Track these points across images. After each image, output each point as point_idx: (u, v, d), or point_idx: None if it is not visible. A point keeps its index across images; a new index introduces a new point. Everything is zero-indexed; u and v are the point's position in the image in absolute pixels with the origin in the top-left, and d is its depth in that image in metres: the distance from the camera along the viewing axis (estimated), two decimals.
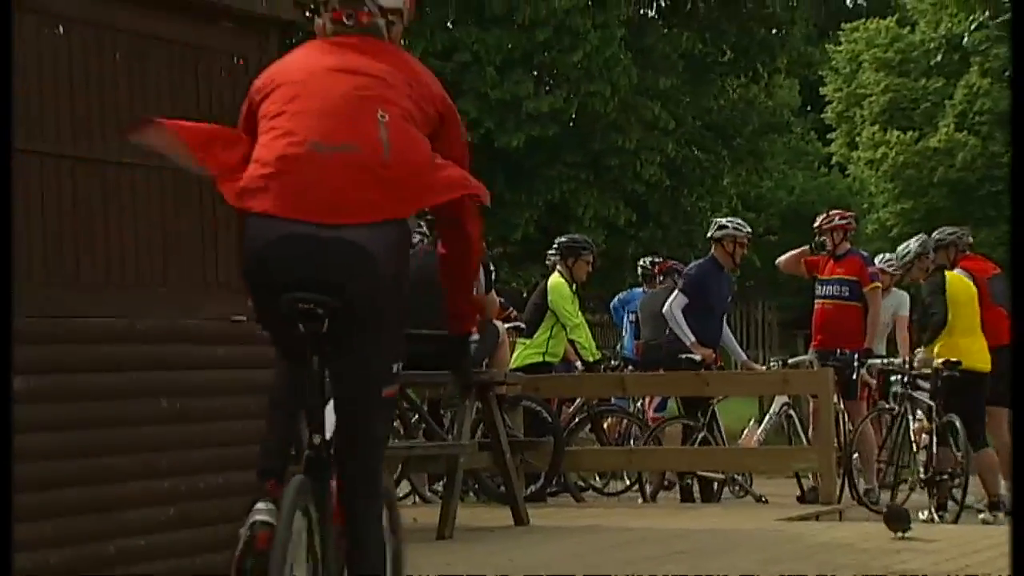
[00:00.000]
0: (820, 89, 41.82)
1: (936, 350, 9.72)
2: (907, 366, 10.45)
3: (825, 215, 11.05)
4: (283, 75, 3.35)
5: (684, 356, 10.34)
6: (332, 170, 3.18)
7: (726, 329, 10.81)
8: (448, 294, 3.62)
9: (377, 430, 3.32)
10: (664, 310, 10.42)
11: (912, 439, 10.24)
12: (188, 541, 5.83)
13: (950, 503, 9.46)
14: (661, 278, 12.13)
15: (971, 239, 10.91)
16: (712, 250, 10.70)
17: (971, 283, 9.91)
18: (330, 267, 3.12)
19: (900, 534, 7.26)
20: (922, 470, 9.63)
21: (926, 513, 9.38)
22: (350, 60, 3.31)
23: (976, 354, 9.65)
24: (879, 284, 10.84)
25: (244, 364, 5.96)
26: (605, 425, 11.43)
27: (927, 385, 10.74)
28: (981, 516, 9.43)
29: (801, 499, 10.23)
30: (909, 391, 10.53)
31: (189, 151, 3.30)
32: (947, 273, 9.88)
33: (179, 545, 5.82)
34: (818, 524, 8.78)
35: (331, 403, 3.29)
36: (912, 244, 10.19)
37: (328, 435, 3.26)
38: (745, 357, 11.23)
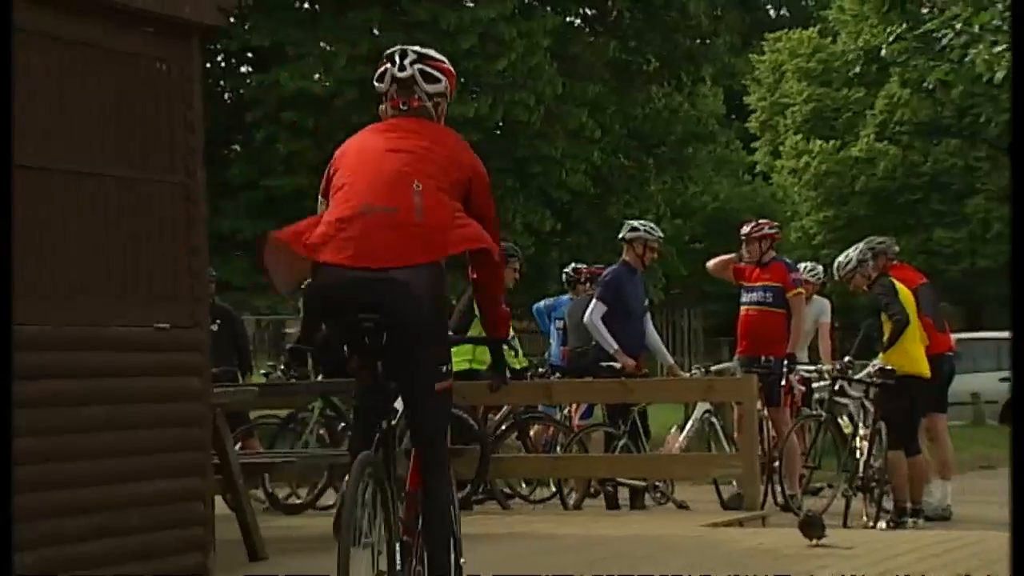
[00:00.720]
0: (744, 98, 42.26)
1: (883, 355, 9.78)
2: (835, 372, 10.57)
3: (754, 223, 11.16)
4: (350, 154, 4.33)
5: (605, 364, 10.40)
6: (376, 228, 4.09)
7: (653, 333, 10.89)
8: (482, 309, 4.56)
9: (436, 416, 4.28)
10: (585, 320, 10.47)
11: (841, 445, 10.37)
12: (115, 550, 5.76)
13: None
14: (589, 284, 12.17)
15: (897, 248, 11.08)
16: (623, 253, 10.82)
17: (908, 291, 10.00)
18: (382, 299, 4.04)
19: (815, 541, 7.34)
20: (859, 475, 9.77)
21: (864, 519, 9.51)
22: (400, 141, 4.27)
23: (920, 360, 9.74)
24: (802, 290, 10.96)
25: (168, 372, 5.91)
26: (532, 432, 11.45)
27: (853, 392, 10.89)
28: (910, 520, 9.50)
29: (725, 505, 10.31)
30: (835, 397, 10.67)
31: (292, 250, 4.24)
32: (894, 279, 9.92)
33: (105, 554, 5.75)
34: (742, 530, 8.85)
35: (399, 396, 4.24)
36: (852, 252, 10.26)
37: (393, 421, 4.26)
38: (672, 361, 11.31)
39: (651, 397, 10.78)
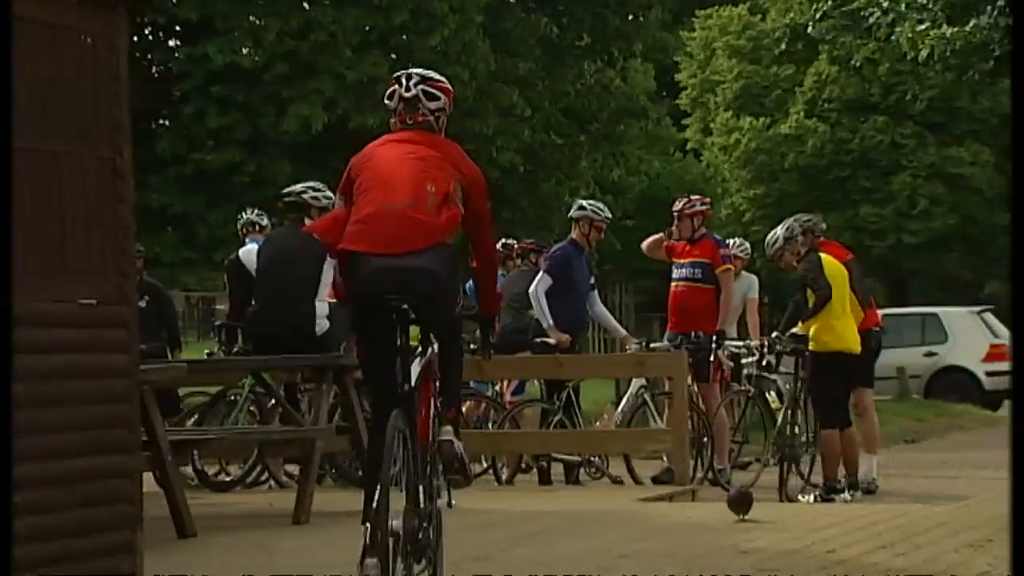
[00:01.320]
0: (675, 75, 42.40)
1: (811, 331, 9.84)
2: (762, 348, 10.67)
3: (686, 200, 11.21)
4: (371, 160, 5.22)
5: (540, 340, 10.42)
6: (397, 219, 5.04)
7: (603, 309, 10.97)
8: (479, 288, 5.47)
9: (456, 354, 5.30)
10: (530, 291, 10.49)
11: (769, 420, 10.49)
12: (41, 527, 5.69)
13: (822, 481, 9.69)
14: (520, 260, 12.17)
15: (824, 225, 11.18)
16: (572, 231, 10.87)
17: (840, 265, 10.03)
18: (411, 280, 4.99)
19: (742, 516, 7.41)
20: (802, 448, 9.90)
21: (805, 495, 9.64)
22: (412, 150, 5.18)
23: (849, 336, 9.78)
24: (731, 266, 11.05)
25: (94, 348, 5.85)
26: (464, 409, 11.46)
27: (781, 367, 11.00)
28: (842, 496, 9.62)
29: (655, 480, 10.39)
30: (762, 373, 10.78)
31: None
32: (823, 254, 9.96)
33: (32, 531, 5.68)
34: (671, 504, 8.92)
35: (415, 361, 5.03)
36: (779, 230, 10.32)
37: (413, 383, 4.99)
38: (624, 333, 11.33)
39: (582, 373, 10.83)
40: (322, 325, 8.81)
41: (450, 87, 5.39)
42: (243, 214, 10.77)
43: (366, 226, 5.05)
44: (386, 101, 5.35)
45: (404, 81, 5.30)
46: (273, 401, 9.55)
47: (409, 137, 5.24)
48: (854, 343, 9.79)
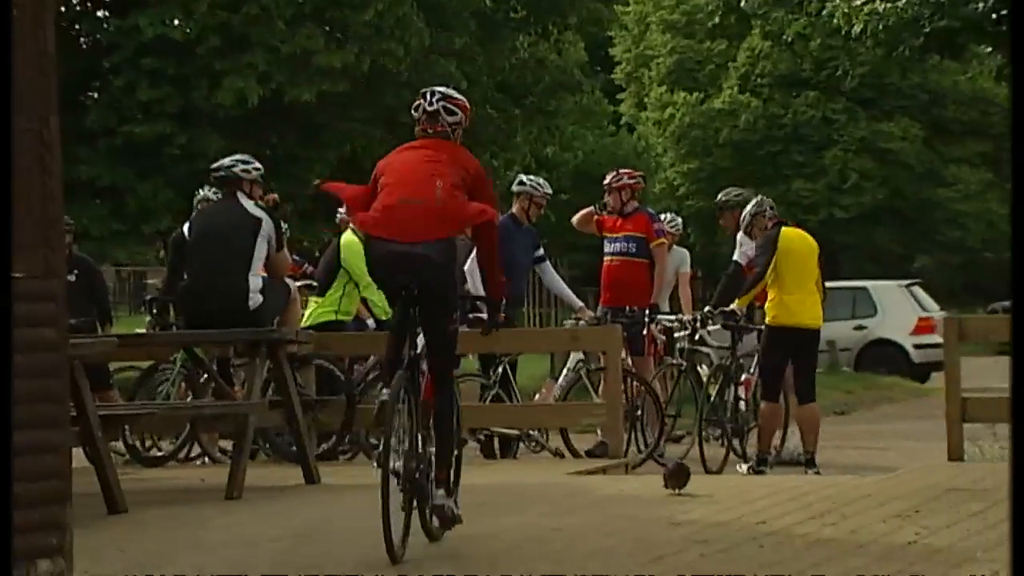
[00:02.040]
0: (609, 50, 42.45)
1: (767, 306, 9.84)
2: (694, 322, 10.73)
3: (615, 173, 11.23)
4: (392, 164, 6.17)
5: (473, 316, 10.42)
6: (410, 212, 5.93)
7: (557, 279, 10.97)
8: (484, 273, 6.52)
9: (448, 343, 6.08)
10: (466, 267, 10.49)
11: (699, 393, 10.55)
12: None
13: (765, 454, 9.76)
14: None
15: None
16: (512, 205, 10.88)
17: (809, 242, 9.97)
18: (416, 266, 5.88)
19: (678, 490, 7.44)
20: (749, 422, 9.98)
21: (744, 467, 9.71)
22: (427, 155, 6.12)
23: (805, 311, 9.73)
24: (664, 240, 11.10)
25: (22, 322, 5.76)
26: None
27: (712, 341, 11.08)
28: (810, 470, 9.66)
29: (588, 454, 10.44)
30: (695, 346, 10.85)
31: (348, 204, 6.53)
32: (784, 229, 9.94)
33: None
34: (605, 477, 8.97)
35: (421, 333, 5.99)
36: (748, 207, 10.33)
37: (418, 350, 5.95)
38: (580, 304, 11.32)
39: (517, 347, 10.84)
40: (255, 299, 8.74)
41: (467, 104, 6.35)
42: (200, 191, 10.62)
43: (383, 215, 5.97)
44: (412, 112, 6.30)
45: (428, 96, 6.27)
46: (206, 376, 9.48)
47: (425, 144, 6.19)
48: (806, 318, 9.73)
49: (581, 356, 10.75)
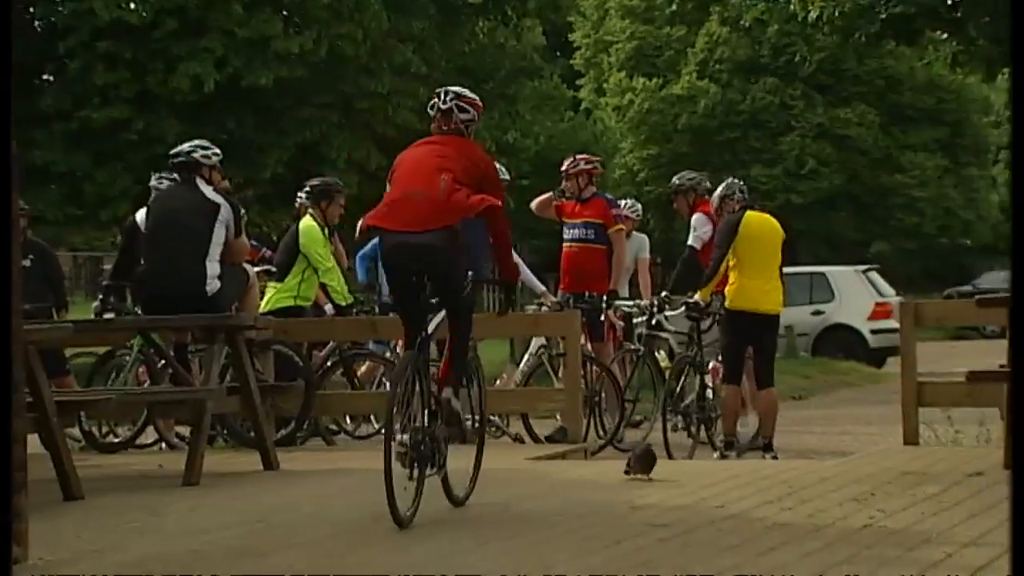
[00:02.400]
0: (569, 35, 42.42)
1: (727, 290, 9.80)
2: (652, 307, 10.76)
3: (571, 160, 11.23)
4: (404, 159, 6.58)
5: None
6: (415, 204, 6.34)
7: (522, 265, 10.89)
8: (496, 259, 6.85)
9: (464, 318, 6.62)
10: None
11: (659, 379, 10.58)
12: None
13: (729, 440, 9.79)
14: None
15: (708, 184, 11.28)
16: None
17: (773, 226, 9.93)
18: (422, 254, 6.31)
19: (644, 475, 7.43)
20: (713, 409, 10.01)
21: (716, 455, 9.74)
22: (437, 149, 6.54)
23: (764, 297, 9.72)
24: (623, 226, 11.11)
25: None
26: (363, 370, 11.43)
27: (670, 326, 11.11)
28: (769, 454, 9.69)
29: (548, 439, 10.46)
30: (653, 332, 10.87)
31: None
32: (748, 214, 9.89)
33: None
34: (564, 463, 8.99)
35: (436, 316, 6.54)
36: (719, 189, 10.32)
37: (430, 331, 6.47)
38: (543, 289, 11.31)
39: (477, 332, 10.76)
40: (213, 285, 8.70)
41: (480, 103, 6.79)
42: (154, 176, 10.50)
43: (390, 208, 6.39)
44: (428, 111, 6.75)
45: (442, 96, 6.70)
46: (163, 362, 9.42)
47: (437, 139, 6.63)
48: (764, 304, 9.71)
49: (543, 341, 10.76)
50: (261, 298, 10.28)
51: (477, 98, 6.78)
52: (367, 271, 12.88)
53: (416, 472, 6.11)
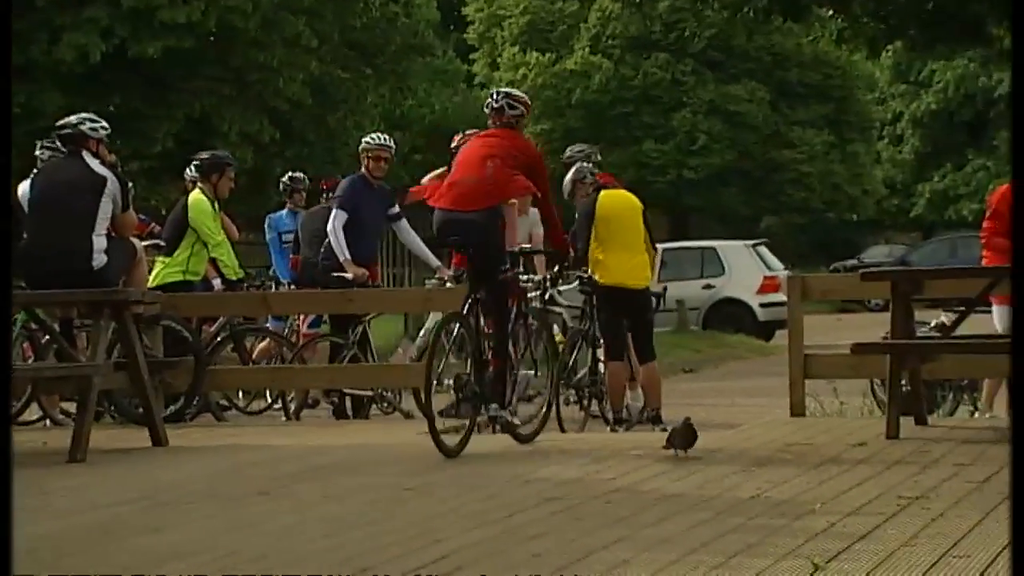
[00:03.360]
0: (462, 9, 42.32)
1: (593, 266, 9.84)
2: (545, 282, 10.79)
3: (461, 135, 11.21)
4: (463, 150, 7.94)
5: (336, 275, 10.36)
6: (467, 187, 7.61)
7: (414, 237, 10.86)
8: (547, 234, 8.37)
9: (499, 292, 7.71)
10: (328, 228, 10.41)
11: (552, 353, 10.62)
12: None
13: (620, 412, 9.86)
14: (323, 196, 12.02)
15: (599, 156, 11.31)
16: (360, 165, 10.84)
17: (629, 201, 9.94)
18: (467, 229, 7.59)
19: (684, 451, 7.04)
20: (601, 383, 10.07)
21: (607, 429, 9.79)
22: (488, 141, 7.82)
23: (628, 272, 9.75)
24: (515, 201, 11.10)
25: None
26: (260, 347, 11.33)
27: (564, 301, 11.16)
28: (659, 426, 9.75)
29: (443, 413, 10.46)
30: (547, 306, 10.91)
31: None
32: (602, 195, 9.93)
33: None
34: (458, 437, 8.99)
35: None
36: (569, 174, 10.34)
37: (480, 295, 7.63)
38: (438, 263, 11.26)
39: (371, 307, 10.79)
40: (100, 259, 8.55)
41: (527, 100, 8.03)
42: (39, 143, 10.25)
43: (445, 190, 7.66)
44: (484, 109, 7.96)
45: (495, 95, 7.94)
46: (48, 337, 9.25)
47: (490, 132, 7.85)
48: (628, 279, 9.76)
49: (439, 316, 10.73)
50: (149, 273, 10.14)
51: (525, 96, 8.03)
52: (274, 242, 12.77)
53: (463, 411, 7.52)
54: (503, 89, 8.02)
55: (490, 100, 7.91)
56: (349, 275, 10.29)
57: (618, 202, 9.97)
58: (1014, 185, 3.68)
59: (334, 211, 10.49)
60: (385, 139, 10.97)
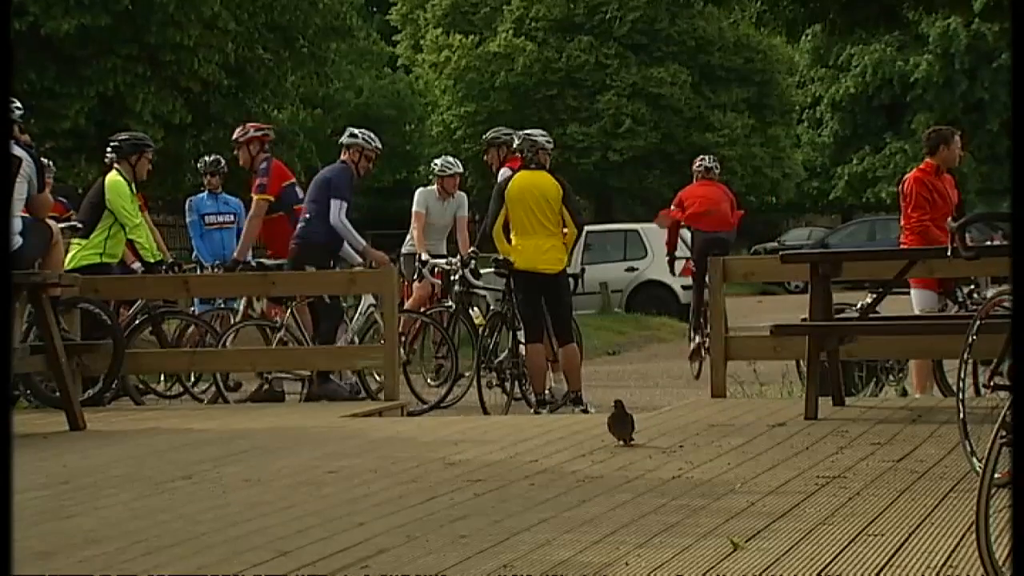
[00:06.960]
0: None
1: (510, 251, 9.77)
2: (462, 264, 10.77)
3: (241, 128, 11.23)
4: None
5: (258, 260, 10.28)
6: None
7: (346, 221, 10.70)
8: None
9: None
10: (332, 221, 10.30)
11: (474, 335, 10.61)
12: None
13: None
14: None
15: (519, 142, 11.28)
16: (342, 154, 10.76)
17: (546, 183, 9.77)
18: None
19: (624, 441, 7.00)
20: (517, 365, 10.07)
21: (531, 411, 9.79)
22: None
23: (540, 255, 9.64)
24: (258, 196, 10.94)
25: None
26: (188, 333, 11.20)
27: (484, 283, 11.16)
28: (580, 408, 9.75)
29: (363, 395, 10.43)
30: (468, 289, 10.91)
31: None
32: (516, 176, 9.79)
33: None
34: (381, 420, 8.99)
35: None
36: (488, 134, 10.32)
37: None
38: (364, 244, 11.06)
39: (293, 290, 10.71)
40: (15, 241, 8.40)
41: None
42: None
43: None
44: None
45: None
46: None
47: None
48: (540, 263, 9.65)
49: (372, 300, 10.69)
50: (66, 255, 9.98)
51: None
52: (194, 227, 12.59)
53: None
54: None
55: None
56: (359, 261, 10.38)
57: (530, 185, 9.78)
58: (1014, 184, 3.72)
59: (337, 203, 10.37)
60: (377, 140, 10.89)
